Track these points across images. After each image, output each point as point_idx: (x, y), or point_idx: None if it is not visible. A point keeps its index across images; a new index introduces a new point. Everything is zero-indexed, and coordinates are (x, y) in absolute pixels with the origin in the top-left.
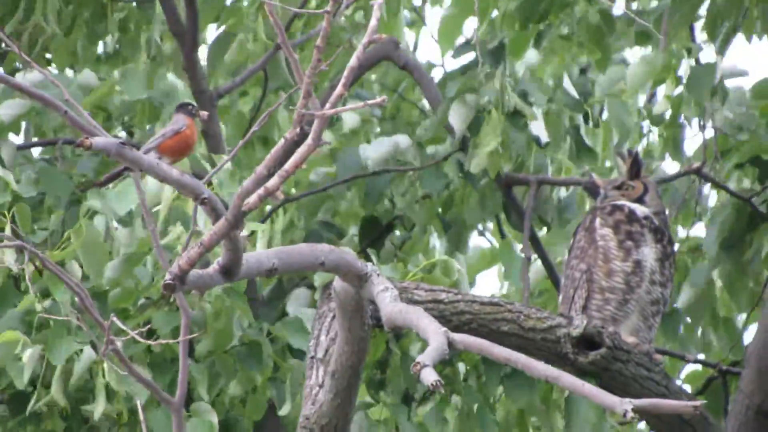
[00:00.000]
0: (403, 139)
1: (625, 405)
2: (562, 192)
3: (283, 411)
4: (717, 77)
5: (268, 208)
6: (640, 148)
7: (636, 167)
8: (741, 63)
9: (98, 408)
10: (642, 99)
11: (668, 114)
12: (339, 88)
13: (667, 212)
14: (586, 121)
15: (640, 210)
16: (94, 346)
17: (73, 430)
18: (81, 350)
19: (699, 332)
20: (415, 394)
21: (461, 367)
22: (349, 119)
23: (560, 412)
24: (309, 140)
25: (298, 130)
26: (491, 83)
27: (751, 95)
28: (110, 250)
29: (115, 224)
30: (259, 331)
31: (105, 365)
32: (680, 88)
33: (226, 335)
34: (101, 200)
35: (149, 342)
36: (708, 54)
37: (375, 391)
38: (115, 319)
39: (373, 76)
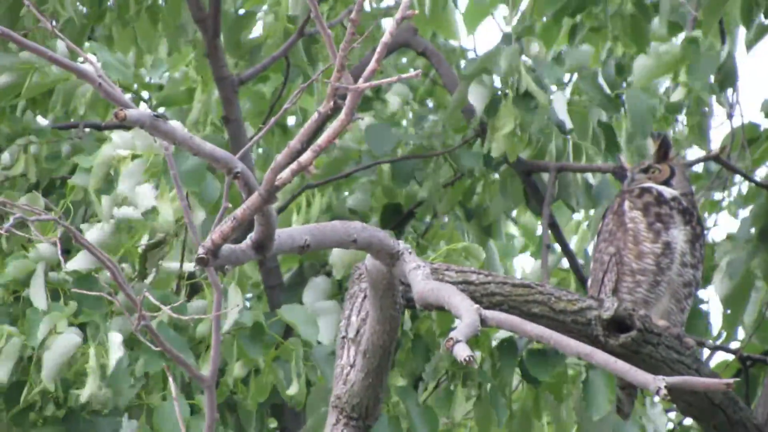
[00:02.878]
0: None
1: (658, 382)
2: (591, 178)
3: (291, 390)
4: (721, 61)
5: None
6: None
7: (664, 149)
8: None
9: (86, 392)
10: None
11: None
12: (372, 63)
13: (694, 194)
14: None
15: (668, 192)
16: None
17: (73, 415)
18: (59, 333)
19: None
20: (423, 376)
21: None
22: (392, 101)
23: (572, 404)
24: (342, 115)
25: (332, 104)
26: (506, 63)
27: None
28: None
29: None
30: (267, 314)
31: (92, 349)
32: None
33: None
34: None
35: (183, 317)
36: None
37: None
38: (147, 294)
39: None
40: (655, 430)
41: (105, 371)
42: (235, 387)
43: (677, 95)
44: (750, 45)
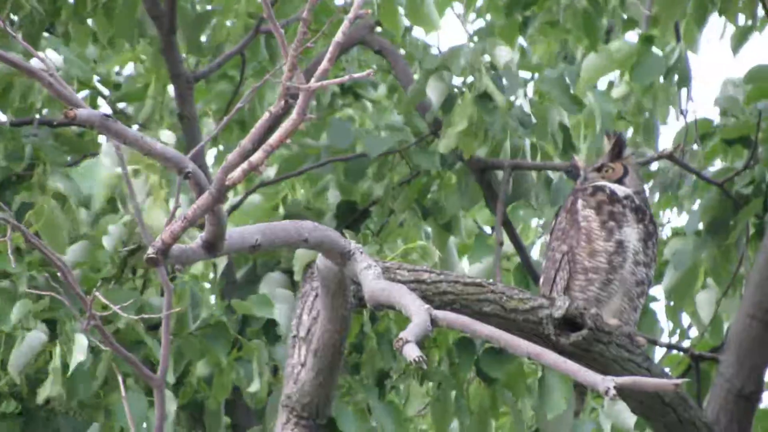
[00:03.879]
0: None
1: (607, 383)
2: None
3: (252, 388)
4: (674, 60)
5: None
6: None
7: (618, 148)
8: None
9: (44, 392)
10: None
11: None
12: (325, 63)
13: (647, 192)
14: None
15: (621, 190)
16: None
17: (32, 412)
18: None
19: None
20: (390, 374)
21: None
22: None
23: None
24: (294, 114)
25: (283, 103)
26: (465, 62)
27: (745, 79)
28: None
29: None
30: (226, 311)
31: (57, 349)
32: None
33: (186, 319)
34: (63, 181)
35: (133, 317)
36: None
37: (350, 374)
38: (98, 294)
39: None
40: (612, 426)
41: (67, 371)
42: (198, 386)
43: (618, 92)
44: (736, 48)
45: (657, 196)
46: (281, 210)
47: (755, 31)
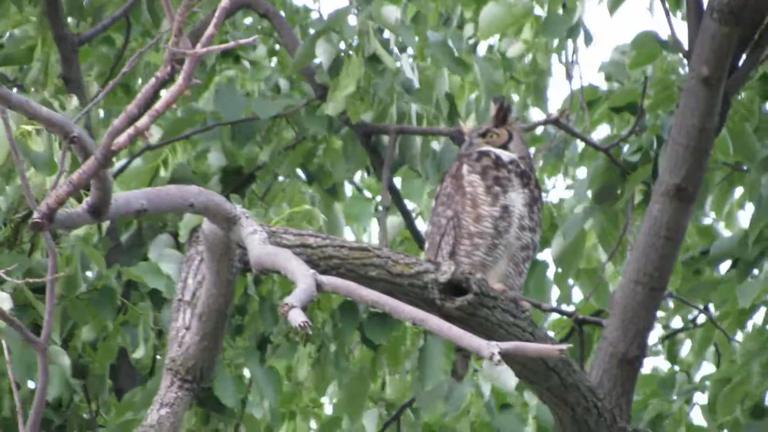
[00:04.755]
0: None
1: (491, 348)
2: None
3: (138, 353)
4: (575, 20)
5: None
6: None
7: (502, 114)
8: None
9: None
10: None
11: (527, 59)
12: (211, 28)
13: (532, 157)
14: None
15: (506, 155)
16: None
17: None
18: None
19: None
20: (271, 338)
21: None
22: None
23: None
24: (180, 80)
25: (169, 69)
26: (353, 24)
27: (631, 45)
28: None
29: None
30: (115, 277)
31: None
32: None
33: (76, 282)
34: None
35: (18, 282)
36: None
37: (231, 337)
38: None
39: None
40: (492, 389)
41: None
42: (83, 350)
43: (514, 51)
44: (612, 8)
45: (542, 161)
46: (162, 173)
47: None
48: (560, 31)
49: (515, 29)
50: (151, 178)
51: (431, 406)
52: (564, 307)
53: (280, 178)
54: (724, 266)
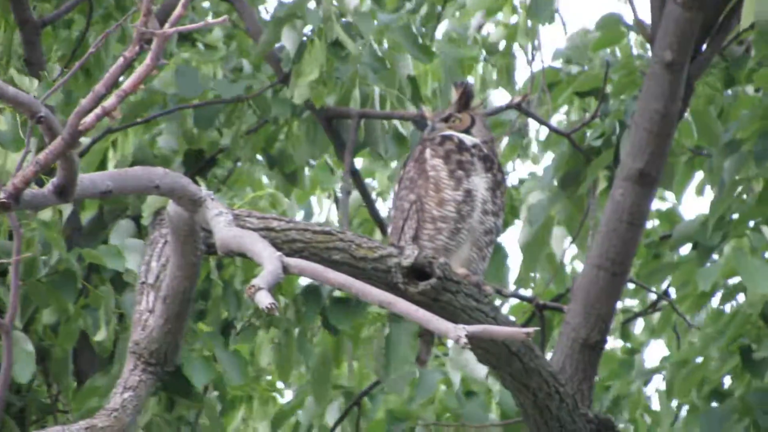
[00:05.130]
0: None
1: (458, 331)
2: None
3: (99, 336)
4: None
5: None
6: (472, 78)
7: (465, 99)
8: None
9: None
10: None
11: (503, 44)
12: (179, 8)
13: (494, 140)
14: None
15: (469, 139)
16: None
17: None
18: None
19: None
20: (236, 323)
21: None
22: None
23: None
24: (148, 60)
25: (137, 48)
26: (316, 10)
27: (596, 26)
28: None
29: None
30: (76, 261)
31: None
32: (515, 18)
33: (36, 265)
34: None
35: None
36: None
37: (194, 321)
38: None
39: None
40: (464, 377)
41: None
42: (44, 334)
43: (497, 35)
44: None
45: (504, 144)
46: (110, 154)
47: None
48: (547, 14)
49: (494, 12)
50: (99, 161)
51: (399, 390)
52: (522, 291)
53: (240, 164)
54: (684, 250)
